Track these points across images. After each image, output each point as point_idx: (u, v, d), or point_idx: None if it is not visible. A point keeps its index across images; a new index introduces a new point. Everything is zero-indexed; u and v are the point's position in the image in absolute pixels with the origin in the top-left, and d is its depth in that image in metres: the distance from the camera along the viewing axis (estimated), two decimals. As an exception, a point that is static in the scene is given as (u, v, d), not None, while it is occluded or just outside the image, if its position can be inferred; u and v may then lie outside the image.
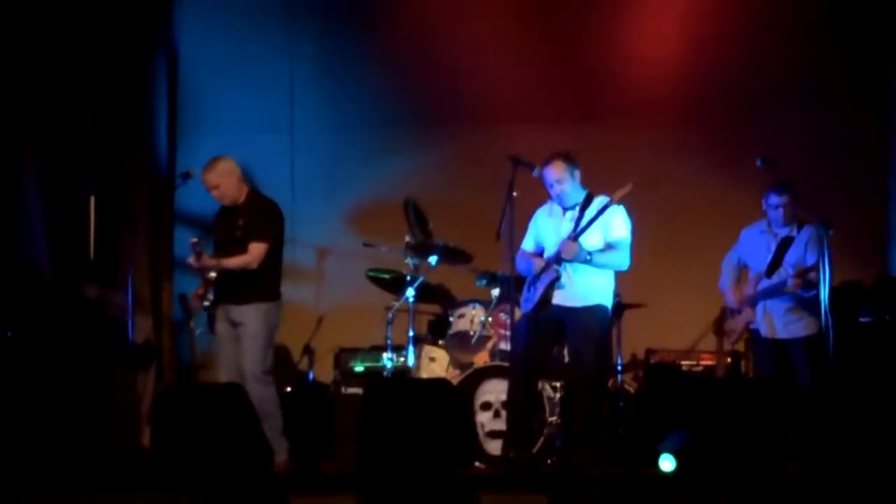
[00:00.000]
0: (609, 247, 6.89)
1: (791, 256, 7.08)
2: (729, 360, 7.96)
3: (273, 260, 7.20)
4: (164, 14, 9.41)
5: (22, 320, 7.54)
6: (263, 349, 7.13)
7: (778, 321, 7.15)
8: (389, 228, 8.58)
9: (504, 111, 9.26)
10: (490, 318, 8.00)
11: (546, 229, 7.08)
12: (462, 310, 8.11)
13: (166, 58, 9.41)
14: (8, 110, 8.35)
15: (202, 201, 7.63)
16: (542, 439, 7.47)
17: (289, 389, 8.30)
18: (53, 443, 7.23)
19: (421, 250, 8.14)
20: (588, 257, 6.81)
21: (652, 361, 8.41)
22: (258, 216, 7.20)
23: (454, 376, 7.82)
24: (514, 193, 6.78)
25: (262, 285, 7.15)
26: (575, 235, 6.80)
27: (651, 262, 8.05)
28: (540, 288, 6.92)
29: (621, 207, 6.90)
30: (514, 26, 9.35)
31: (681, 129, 9.25)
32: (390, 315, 8.13)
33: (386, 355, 8.08)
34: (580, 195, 6.98)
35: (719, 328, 7.73)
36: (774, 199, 7.17)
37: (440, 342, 8.20)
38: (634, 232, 6.96)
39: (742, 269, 7.44)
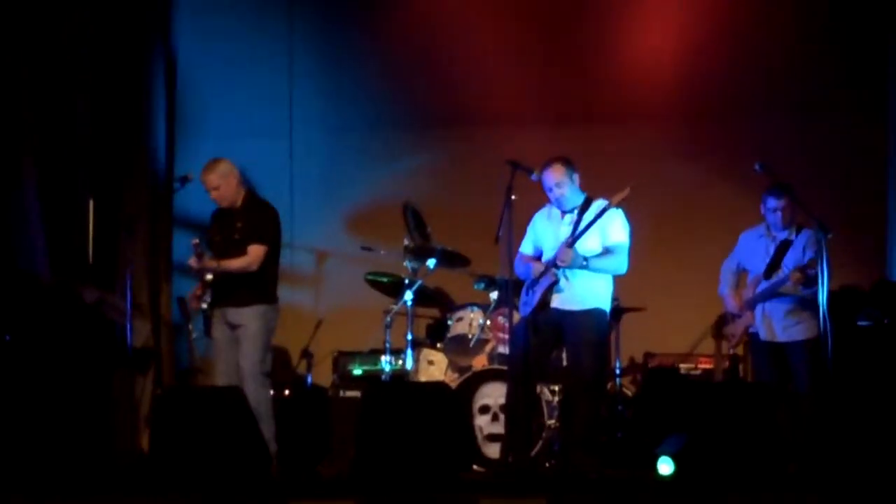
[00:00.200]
0: (607, 251, 6.87)
1: (789, 260, 7.05)
2: (727, 363, 7.96)
3: (271, 263, 7.20)
4: (163, 17, 9.41)
5: (20, 324, 7.55)
6: (263, 350, 7.13)
7: (777, 325, 7.13)
8: (388, 232, 8.58)
9: (503, 114, 9.22)
10: (489, 322, 8.00)
11: (545, 233, 7.07)
12: (460, 313, 8.11)
13: (165, 61, 9.40)
14: (7, 113, 8.36)
15: (201, 204, 7.62)
16: (540, 443, 7.47)
17: (287, 393, 8.29)
18: (52, 447, 7.24)
19: (419, 254, 8.14)
20: (584, 263, 6.80)
21: (650, 365, 8.39)
22: (257, 218, 7.20)
23: (452, 380, 7.82)
24: (513, 197, 6.79)
25: (260, 288, 7.14)
26: (571, 241, 6.78)
27: (650, 265, 8.05)
28: (538, 291, 6.91)
29: (620, 211, 6.88)
30: (513, 30, 9.35)
31: (680, 132, 9.24)
32: (389, 318, 8.12)
33: (384, 359, 8.06)
34: (579, 199, 6.97)
35: (718, 332, 7.73)
36: (772, 202, 7.15)
37: (439, 346, 8.19)
38: (633, 235, 6.95)
39: (741, 273, 7.40)
